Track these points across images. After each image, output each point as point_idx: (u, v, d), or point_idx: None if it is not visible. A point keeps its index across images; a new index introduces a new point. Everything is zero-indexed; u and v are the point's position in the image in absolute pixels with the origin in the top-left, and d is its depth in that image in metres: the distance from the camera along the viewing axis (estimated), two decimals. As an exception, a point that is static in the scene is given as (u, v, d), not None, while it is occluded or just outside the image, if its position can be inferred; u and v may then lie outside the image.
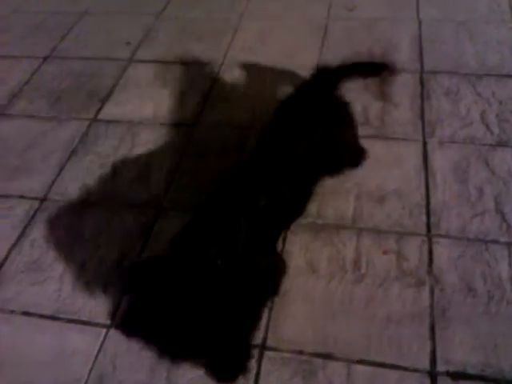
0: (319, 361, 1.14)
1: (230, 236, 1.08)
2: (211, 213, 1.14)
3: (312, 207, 1.44)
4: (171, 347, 1.12)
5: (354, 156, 1.49)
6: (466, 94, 1.72)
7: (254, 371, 1.14)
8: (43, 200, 1.58)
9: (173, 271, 1.04)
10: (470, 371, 1.10)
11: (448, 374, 1.10)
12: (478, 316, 1.18)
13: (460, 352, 1.13)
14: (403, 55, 1.90)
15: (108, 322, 1.26)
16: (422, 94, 1.75)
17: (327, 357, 1.14)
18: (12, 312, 1.31)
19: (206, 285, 1.02)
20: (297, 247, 1.35)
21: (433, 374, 1.10)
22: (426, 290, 1.24)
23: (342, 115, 1.43)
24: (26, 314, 1.30)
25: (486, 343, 1.14)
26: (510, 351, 1.12)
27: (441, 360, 1.12)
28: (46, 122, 1.86)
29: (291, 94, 1.46)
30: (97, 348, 1.21)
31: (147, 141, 1.73)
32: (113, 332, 1.24)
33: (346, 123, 1.43)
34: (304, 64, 1.73)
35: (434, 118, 1.67)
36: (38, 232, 1.49)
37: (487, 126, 1.62)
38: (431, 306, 1.21)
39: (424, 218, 1.38)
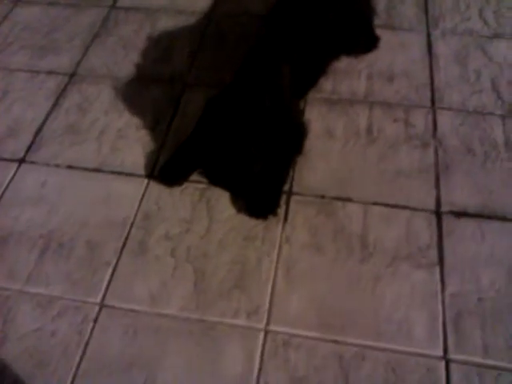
0: (339, 203, 1.31)
1: (277, 80, 1.23)
2: (255, 65, 1.28)
3: (326, 84, 1.59)
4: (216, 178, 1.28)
5: (368, 41, 1.63)
6: (466, -7, 1.86)
7: (283, 210, 1.30)
8: (72, 75, 1.68)
9: (226, 109, 1.19)
10: (470, 211, 1.28)
11: (452, 212, 1.28)
12: (477, 171, 1.36)
13: (461, 197, 1.31)
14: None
15: (149, 173, 1.39)
16: (425, -8, 1.88)
17: (346, 200, 1.32)
18: (57, 166, 1.44)
19: (255, 122, 1.18)
20: (314, 116, 1.50)
21: (438, 213, 1.28)
22: (430, 151, 1.41)
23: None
24: (71, 167, 1.43)
25: (484, 191, 1.32)
26: (503, 197, 1.30)
27: (445, 203, 1.30)
28: (66, 8, 1.93)
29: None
30: (141, 193, 1.36)
31: (166, 26, 1.83)
32: (154, 181, 1.37)
33: (362, 7, 1.56)
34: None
35: (436, 14, 1.81)
36: (72, 101, 1.61)
37: (485, 21, 1.77)
38: (435, 163, 1.38)
39: (429, 93, 1.54)
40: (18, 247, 1.28)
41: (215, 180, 1.33)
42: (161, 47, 1.74)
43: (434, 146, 1.41)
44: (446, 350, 1.08)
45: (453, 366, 1.06)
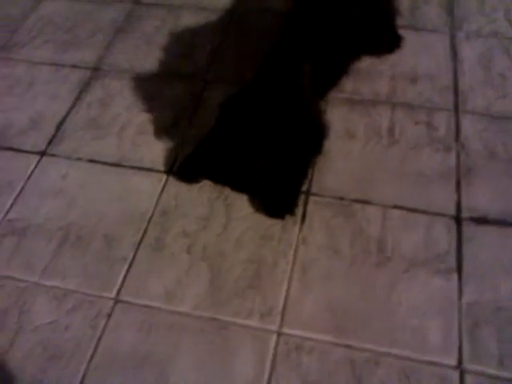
0: (358, 205, 1.30)
1: (298, 79, 1.22)
2: (276, 63, 1.28)
3: (348, 84, 1.57)
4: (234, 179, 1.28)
5: (391, 40, 1.61)
6: (492, -5, 1.83)
7: (301, 211, 1.29)
8: (95, 69, 1.69)
9: (246, 108, 1.19)
10: (491, 217, 1.26)
11: (472, 219, 1.25)
12: (499, 176, 1.33)
13: (483, 203, 1.28)
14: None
15: (168, 169, 1.39)
16: (450, -6, 1.85)
17: (365, 202, 1.30)
18: (78, 159, 1.44)
19: (273, 121, 1.17)
20: (335, 116, 1.49)
21: (458, 219, 1.26)
22: (452, 155, 1.38)
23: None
24: (92, 161, 1.44)
25: (506, 197, 1.29)
26: (526, 203, 1.27)
27: (465, 208, 1.28)
28: (90, 3, 1.94)
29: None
30: (160, 188, 1.36)
31: (189, 23, 1.83)
32: (173, 177, 1.37)
33: (385, 6, 1.55)
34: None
35: (461, 15, 1.78)
36: (94, 96, 1.61)
37: (510, 23, 1.73)
38: (457, 167, 1.36)
39: (452, 97, 1.52)
40: (35, 239, 1.29)
41: (223, 180, 1.32)
42: (183, 44, 1.74)
43: (457, 150, 1.39)
44: (460, 360, 1.06)
45: (467, 376, 1.04)
